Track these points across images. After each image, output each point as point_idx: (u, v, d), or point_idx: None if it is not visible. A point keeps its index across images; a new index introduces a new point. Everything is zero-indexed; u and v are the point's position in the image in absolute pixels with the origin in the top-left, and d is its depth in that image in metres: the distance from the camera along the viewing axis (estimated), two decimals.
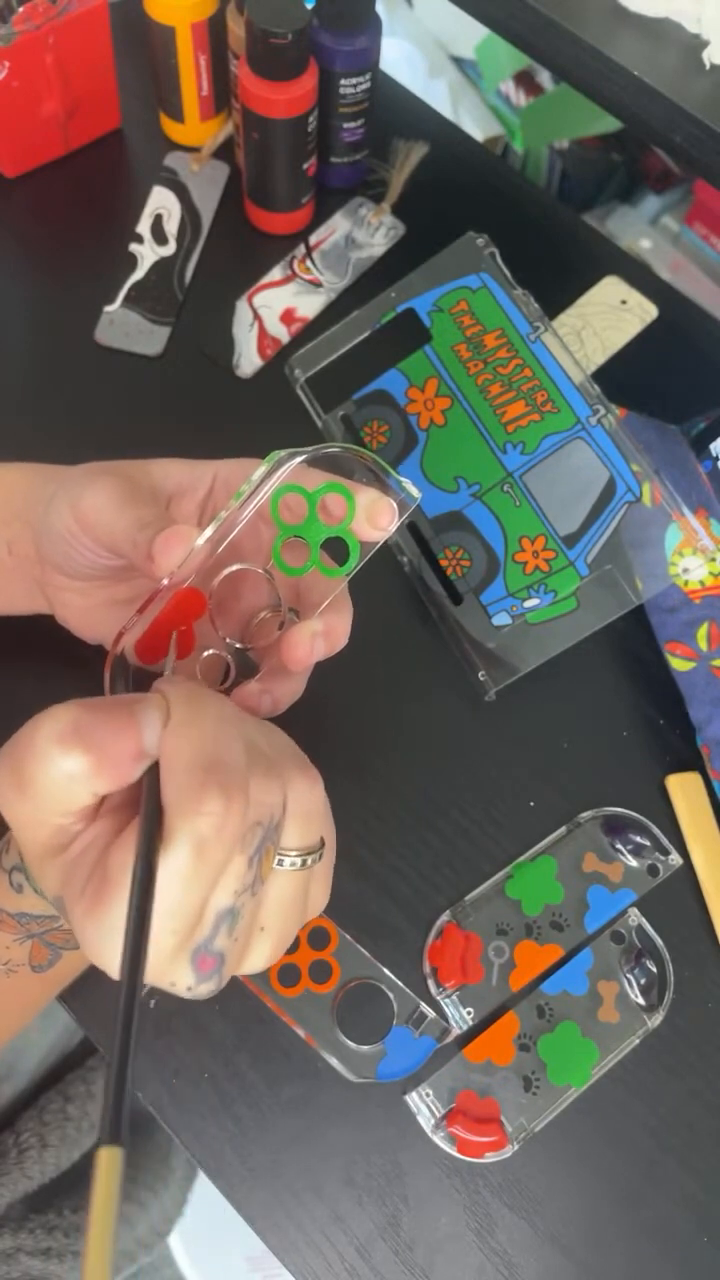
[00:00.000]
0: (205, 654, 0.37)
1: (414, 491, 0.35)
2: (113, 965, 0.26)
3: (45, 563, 0.41)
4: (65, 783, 0.27)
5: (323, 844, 0.32)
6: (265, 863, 0.29)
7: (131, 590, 0.42)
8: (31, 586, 0.44)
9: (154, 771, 0.28)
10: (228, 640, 0.37)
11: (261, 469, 0.34)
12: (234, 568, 0.36)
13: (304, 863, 0.31)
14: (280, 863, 0.30)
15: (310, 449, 0.34)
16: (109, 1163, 0.22)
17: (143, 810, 0.27)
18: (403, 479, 0.35)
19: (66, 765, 0.27)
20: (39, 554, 0.42)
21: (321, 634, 0.34)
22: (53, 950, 0.37)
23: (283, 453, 0.34)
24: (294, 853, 0.30)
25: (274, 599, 0.38)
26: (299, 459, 0.34)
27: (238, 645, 0.37)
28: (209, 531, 0.34)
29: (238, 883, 0.28)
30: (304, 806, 0.31)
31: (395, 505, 0.34)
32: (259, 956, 0.30)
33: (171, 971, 0.28)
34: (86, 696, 0.29)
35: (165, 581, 0.34)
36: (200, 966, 0.28)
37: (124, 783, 0.28)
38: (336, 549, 0.35)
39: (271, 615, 0.39)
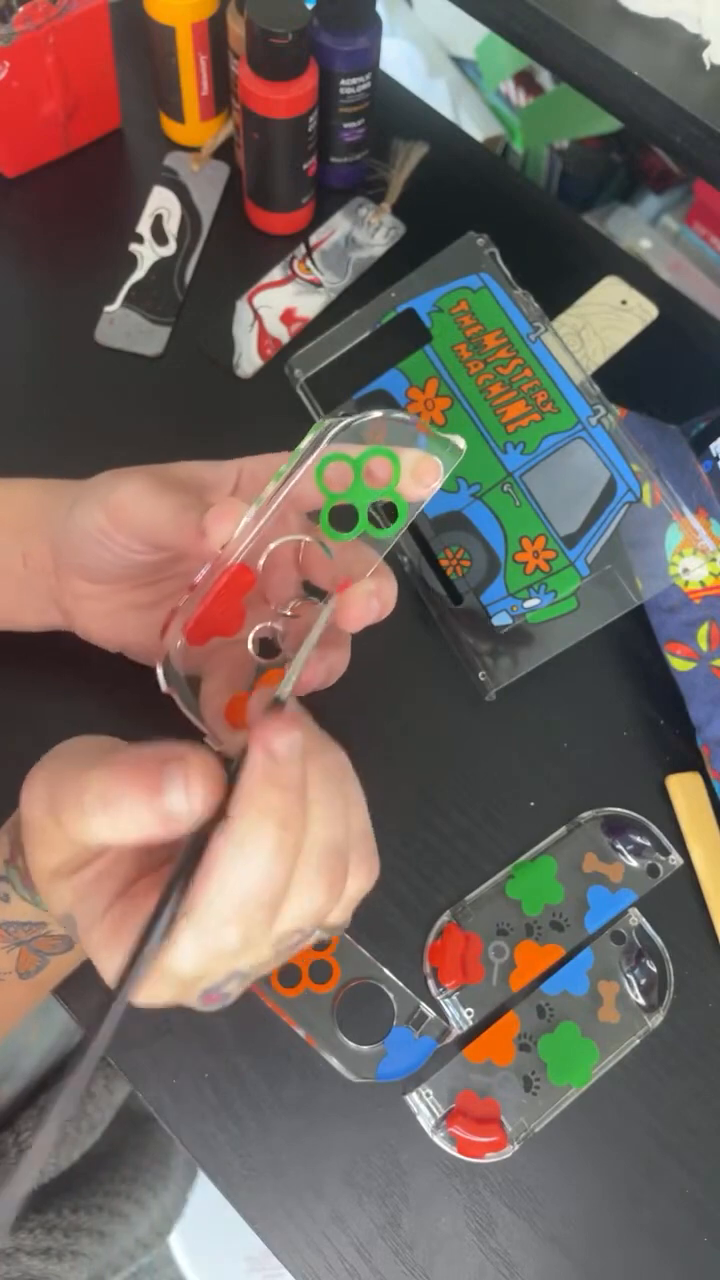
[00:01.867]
0: (257, 629, 0.37)
1: (459, 444, 0.35)
2: (113, 984, 0.26)
3: (67, 570, 0.42)
4: (96, 835, 0.27)
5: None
6: (293, 948, 0.30)
7: (154, 594, 0.43)
8: (44, 600, 0.44)
9: (195, 838, 0.27)
10: (278, 610, 0.37)
11: (307, 439, 0.34)
12: (282, 540, 0.36)
13: (321, 940, 0.32)
14: (313, 937, 0.30)
15: (353, 416, 0.34)
16: None
17: (172, 875, 0.26)
18: (447, 435, 0.35)
19: (96, 824, 0.27)
20: (58, 564, 0.42)
21: (375, 593, 0.35)
22: (40, 956, 0.37)
23: (327, 420, 0.34)
24: (329, 930, 0.31)
25: (303, 590, 0.39)
26: (343, 424, 0.34)
27: (288, 613, 0.37)
28: (254, 508, 0.34)
29: (258, 960, 0.28)
30: (355, 896, 0.30)
31: (440, 461, 0.34)
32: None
33: (175, 999, 0.28)
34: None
35: (206, 568, 0.34)
36: (206, 1000, 0.28)
37: (152, 841, 0.27)
38: (379, 514, 0.35)
39: (303, 604, 0.39)
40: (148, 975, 0.26)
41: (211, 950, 0.26)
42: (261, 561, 0.36)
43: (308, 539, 0.37)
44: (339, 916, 0.30)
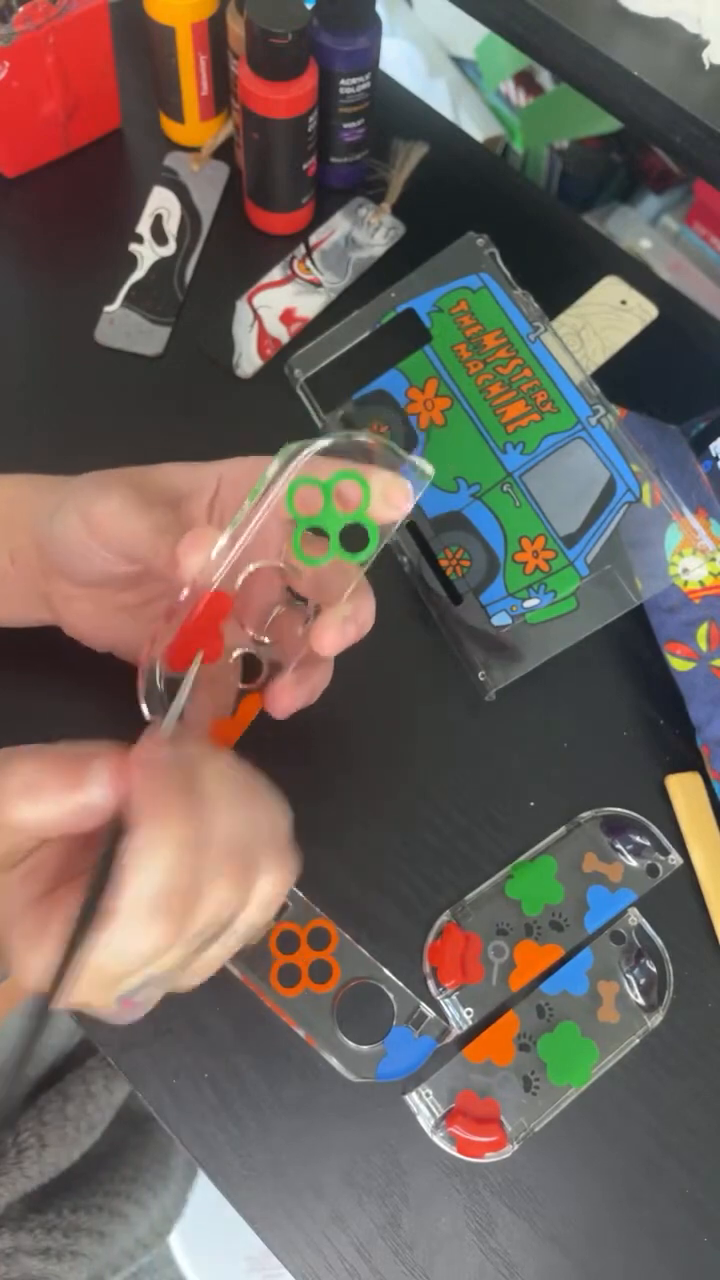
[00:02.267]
0: (236, 653, 0.37)
1: (426, 469, 0.35)
2: (34, 984, 0.28)
3: (52, 571, 0.41)
4: (18, 817, 0.28)
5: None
6: (209, 947, 0.31)
7: (141, 595, 0.43)
8: (33, 597, 0.44)
9: (113, 829, 0.28)
10: (253, 636, 0.37)
11: (274, 465, 0.34)
12: (256, 565, 0.37)
13: (254, 937, 0.32)
14: (230, 936, 0.32)
15: (320, 441, 0.34)
16: None
17: (92, 875, 0.28)
18: (413, 458, 0.35)
19: (20, 809, 0.28)
20: (44, 564, 0.42)
21: (350, 618, 0.35)
22: None
23: (294, 446, 0.34)
24: (251, 929, 0.32)
25: (287, 594, 0.39)
26: (310, 451, 0.34)
27: (264, 640, 0.37)
28: (228, 532, 0.34)
29: (174, 961, 0.29)
30: (270, 896, 0.31)
31: (410, 485, 0.34)
32: (183, 986, 0.32)
33: (94, 1001, 0.29)
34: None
35: (185, 592, 0.35)
36: (123, 1006, 0.29)
37: (74, 831, 0.29)
38: (353, 537, 0.35)
39: (287, 610, 0.39)
40: (73, 975, 0.27)
41: (127, 950, 0.27)
42: (239, 583, 0.36)
43: (281, 564, 0.37)
44: (257, 915, 0.31)
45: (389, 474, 0.34)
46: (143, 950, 0.27)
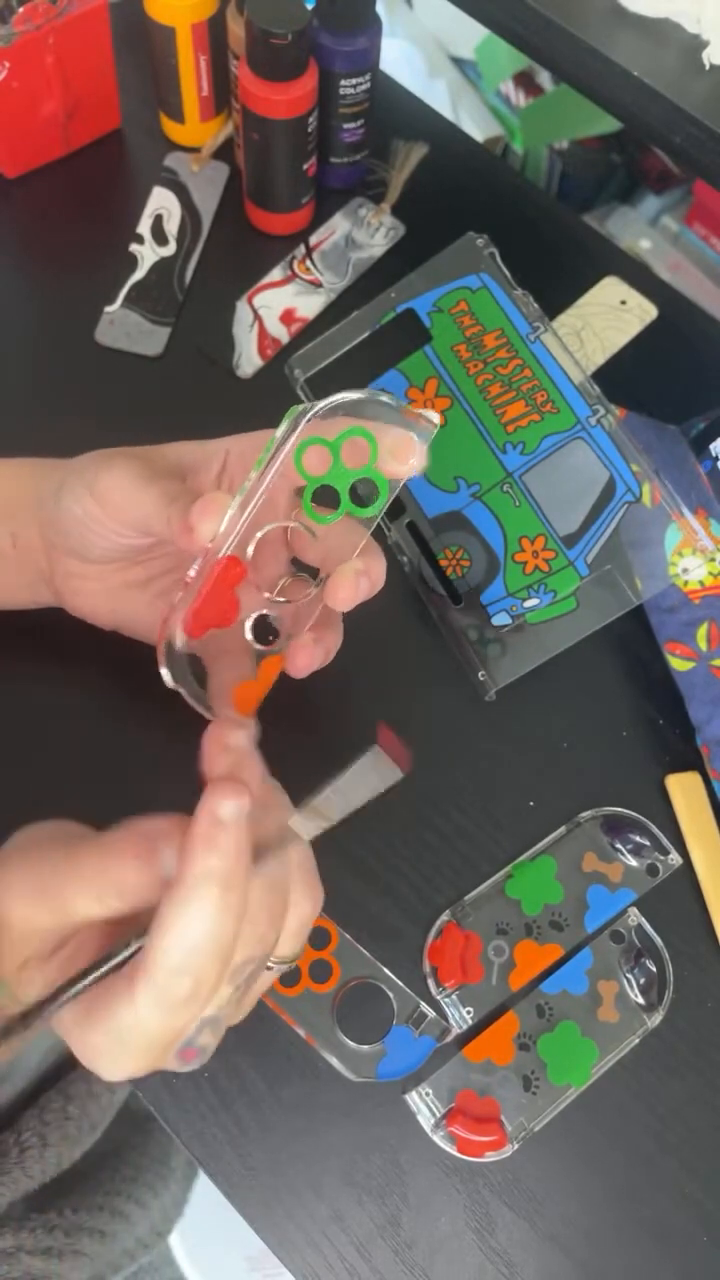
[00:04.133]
0: (253, 616, 0.37)
1: (433, 418, 0.35)
2: (106, 1072, 0.28)
3: (57, 551, 0.41)
4: (93, 906, 0.28)
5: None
6: (253, 986, 0.31)
7: (148, 571, 0.43)
8: (34, 579, 0.44)
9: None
10: (268, 597, 0.38)
11: (282, 427, 0.35)
12: (268, 527, 0.37)
13: (281, 971, 0.32)
14: (271, 972, 0.32)
15: (326, 401, 0.35)
16: None
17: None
18: (420, 410, 0.35)
19: (94, 895, 0.28)
20: (47, 544, 0.42)
21: (363, 572, 0.35)
22: None
23: (300, 407, 0.35)
24: (280, 963, 0.32)
25: (293, 567, 0.40)
26: (317, 409, 0.34)
27: (280, 599, 0.37)
28: (238, 499, 0.35)
29: (222, 1001, 0.29)
30: (300, 924, 0.32)
31: (416, 438, 0.35)
32: (234, 1021, 0.31)
33: (156, 1064, 0.29)
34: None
35: (198, 563, 0.35)
36: (184, 1057, 0.29)
37: (147, 903, 0.28)
38: (362, 492, 0.36)
39: (293, 580, 0.40)
40: (119, 1043, 0.27)
41: (169, 1001, 0.27)
42: (250, 550, 0.36)
43: (293, 524, 0.37)
44: (290, 948, 0.32)
45: (397, 429, 0.35)
46: (178, 1000, 0.27)
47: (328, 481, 0.35)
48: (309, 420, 0.35)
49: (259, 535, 0.36)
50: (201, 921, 0.26)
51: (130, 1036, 0.27)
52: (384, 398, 0.35)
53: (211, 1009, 0.28)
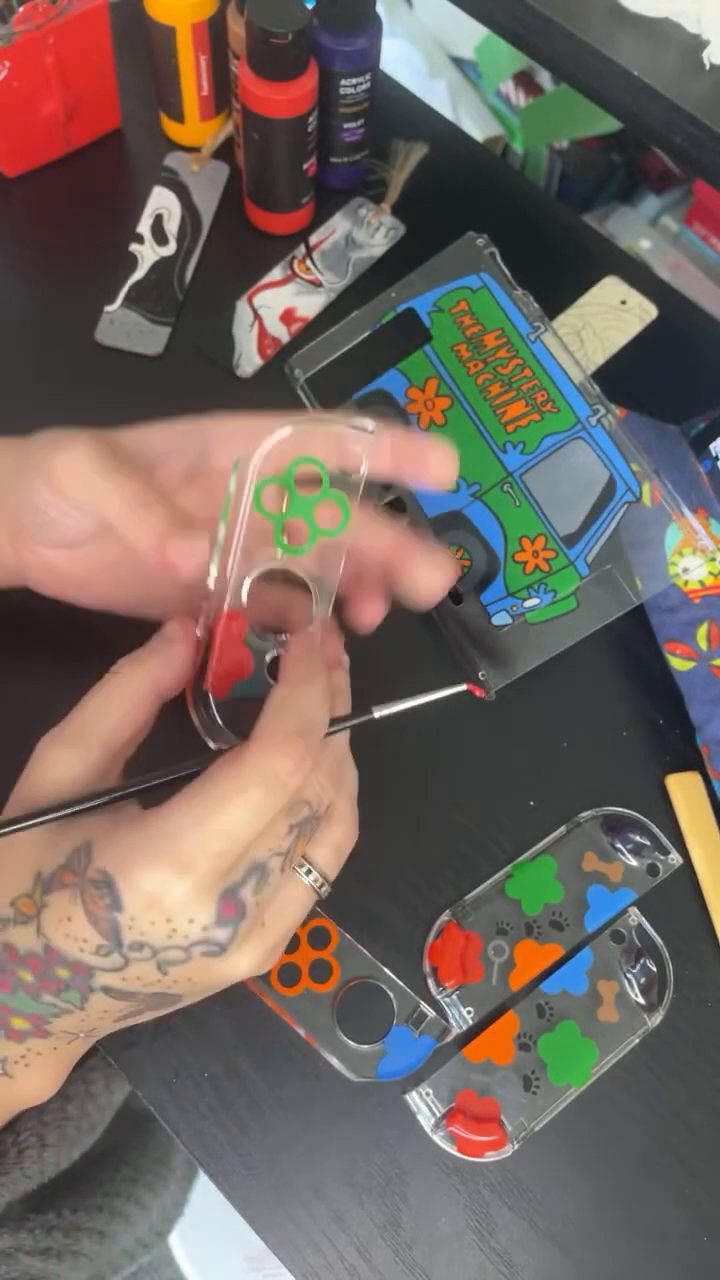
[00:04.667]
0: (268, 659, 0.38)
1: (366, 425, 0.36)
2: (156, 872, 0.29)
3: (23, 538, 0.39)
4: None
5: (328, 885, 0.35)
6: (298, 846, 0.31)
7: (128, 550, 0.40)
8: (3, 570, 0.41)
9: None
10: (276, 637, 0.38)
11: (232, 481, 0.35)
12: (255, 572, 0.37)
13: (318, 886, 0.33)
14: (305, 870, 0.33)
15: (264, 445, 0.35)
16: None
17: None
18: (355, 418, 0.36)
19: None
20: (13, 534, 0.39)
21: (376, 596, 0.38)
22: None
23: (242, 457, 0.35)
24: (316, 877, 0.33)
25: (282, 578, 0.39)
26: (255, 457, 0.35)
27: (283, 637, 0.38)
28: (215, 559, 0.35)
29: (276, 843, 0.30)
30: (341, 841, 0.34)
31: (358, 432, 0.36)
32: (252, 952, 0.31)
33: (198, 903, 0.28)
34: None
35: (202, 618, 0.36)
36: (224, 910, 0.29)
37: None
38: (327, 513, 0.37)
39: (291, 604, 0.40)
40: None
41: (269, 779, 0.29)
42: (245, 596, 0.37)
43: (275, 565, 0.37)
44: (327, 861, 0.34)
45: (333, 437, 0.36)
46: (275, 783, 0.29)
47: (293, 515, 0.36)
48: (255, 468, 0.35)
49: (248, 582, 0.37)
50: (312, 692, 0.31)
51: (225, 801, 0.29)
52: (312, 419, 0.36)
53: (265, 851, 0.30)
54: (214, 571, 0.35)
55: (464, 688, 0.36)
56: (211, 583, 0.36)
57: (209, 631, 0.36)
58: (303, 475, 0.35)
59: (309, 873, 0.33)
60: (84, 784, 0.33)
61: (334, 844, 0.34)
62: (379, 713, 0.35)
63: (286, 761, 0.29)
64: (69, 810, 0.31)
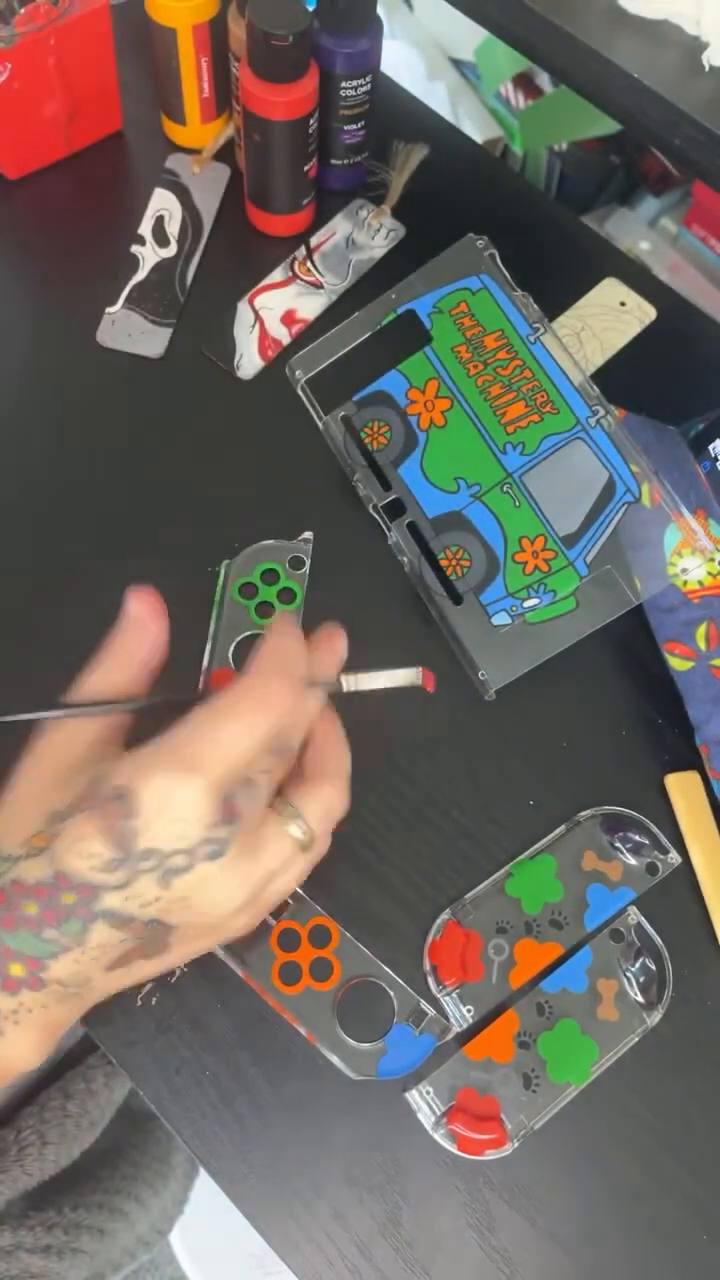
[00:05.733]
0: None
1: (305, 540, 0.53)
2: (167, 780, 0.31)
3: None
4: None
5: (312, 845, 0.36)
6: (276, 772, 0.35)
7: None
8: None
9: None
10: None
11: (218, 586, 0.50)
12: (239, 638, 0.50)
13: (300, 838, 0.35)
14: (292, 827, 0.35)
15: (240, 558, 0.49)
16: None
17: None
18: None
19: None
20: None
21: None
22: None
23: (226, 562, 0.51)
24: (302, 825, 0.35)
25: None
26: (232, 563, 0.51)
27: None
28: (205, 662, 0.50)
29: (262, 763, 0.34)
30: (331, 799, 0.36)
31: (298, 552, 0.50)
32: (240, 885, 0.33)
33: (204, 800, 0.31)
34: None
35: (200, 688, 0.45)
36: (224, 810, 0.32)
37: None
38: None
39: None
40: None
41: (263, 701, 0.32)
42: (231, 658, 0.47)
43: (251, 632, 0.48)
44: (316, 817, 0.35)
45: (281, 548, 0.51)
46: (260, 704, 0.32)
47: (262, 599, 0.52)
48: (231, 572, 0.51)
49: (230, 649, 0.50)
50: (293, 651, 0.34)
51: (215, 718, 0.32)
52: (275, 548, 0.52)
53: (253, 768, 0.33)
54: (209, 646, 0.50)
55: (418, 670, 0.39)
56: (206, 656, 0.49)
57: (206, 685, 0.47)
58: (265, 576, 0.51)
59: (296, 819, 0.35)
60: (96, 747, 0.36)
61: (325, 802, 0.36)
62: (346, 683, 0.39)
63: (276, 687, 0.33)
64: (80, 710, 0.35)
